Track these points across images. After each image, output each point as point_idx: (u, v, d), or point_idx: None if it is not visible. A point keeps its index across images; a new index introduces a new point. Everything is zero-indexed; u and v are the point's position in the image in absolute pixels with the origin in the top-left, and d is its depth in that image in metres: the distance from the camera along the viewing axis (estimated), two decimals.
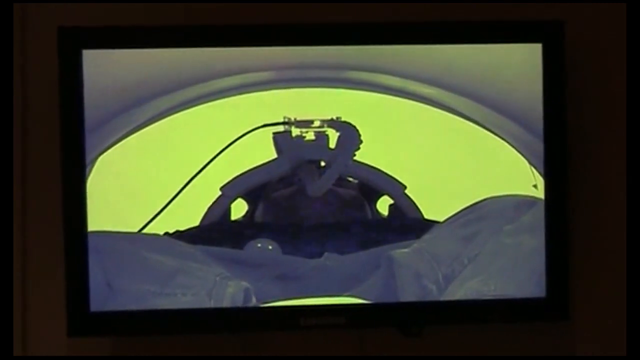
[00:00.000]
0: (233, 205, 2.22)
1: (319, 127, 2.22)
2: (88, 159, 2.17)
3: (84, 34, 2.17)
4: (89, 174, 2.18)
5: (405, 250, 2.23)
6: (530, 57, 2.22)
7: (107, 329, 2.20)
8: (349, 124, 2.22)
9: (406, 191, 2.24)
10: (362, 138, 2.22)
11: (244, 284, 2.20)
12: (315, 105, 2.21)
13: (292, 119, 2.21)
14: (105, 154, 2.18)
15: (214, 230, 2.21)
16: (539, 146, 2.23)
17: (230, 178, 2.21)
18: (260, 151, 2.21)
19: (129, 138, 2.19)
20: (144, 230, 2.20)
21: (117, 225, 2.19)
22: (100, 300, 2.18)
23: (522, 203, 2.24)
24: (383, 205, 2.25)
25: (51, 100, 2.19)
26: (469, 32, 2.22)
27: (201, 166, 2.20)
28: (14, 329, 2.24)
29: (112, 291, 2.18)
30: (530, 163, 2.24)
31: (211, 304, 2.19)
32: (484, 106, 2.23)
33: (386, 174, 2.23)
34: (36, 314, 2.27)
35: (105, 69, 2.17)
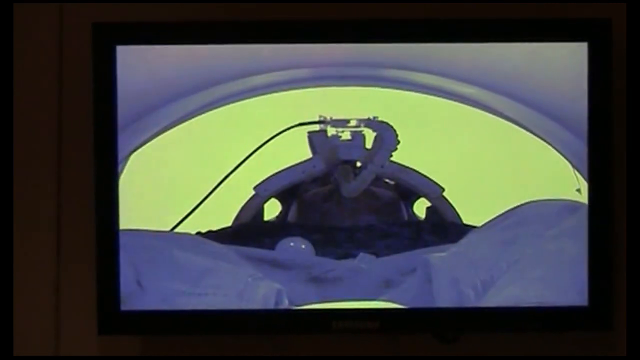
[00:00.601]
0: (266, 205, 2.19)
1: (355, 126, 2.17)
2: (121, 156, 2.15)
3: (118, 29, 2.15)
4: (121, 172, 2.15)
5: (443, 254, 2.17)
6: (575, 56, 2.15)
7: (138, 328, 2.17)
8: (386, 123, 2.17)
9: (444, 194, 2.18)
10: (399, 138, 2.17)
11: (276, 285, 2.16)
12: (351, 104, 2.17)
13: (328, 118, 2.17)
14: (138, 151, 2.16)
15: (247, 230, 2.17)
16: (583, 148, 2.15)
17: (264, 177, 2.17)
18: (294, 150, 2.17)
19: (162, 135, 2.17)
20: (176, 229, 2.17)
21: (149, 224, 2.16)
22: (131, 299, 2.15)
23: (565, 207, 2.16)
24: (420, 207, 2.19)
25: (87, 97, 2.17)
26: (510, 30, 2.15)
27: (235, 165, 2.17)
28: (47, 327, 2.24)
29: (142, 290, 2.16)
30: (574, 166, 2.16)
31: (242, 305, 2.15)
32: (526, 106, 2.16)
33: (424, 175, 2.18)
34: (68, 312, 2.25)
35: (139, 65, 2.15)
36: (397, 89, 2.16)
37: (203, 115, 2.17)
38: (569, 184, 2.17)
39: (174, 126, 2.17)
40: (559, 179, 2.17)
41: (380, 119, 2.17)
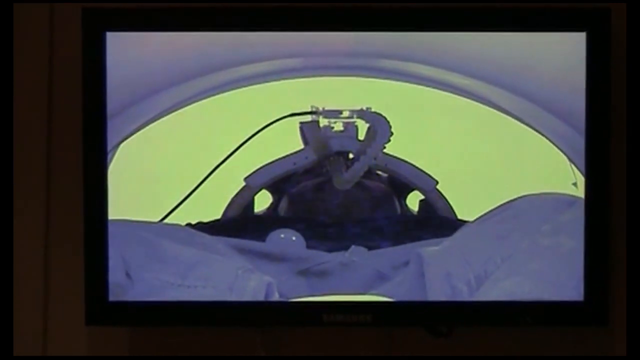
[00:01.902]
0: (257, 197, 2.15)
1: (348, 117, 2.13)
2: (110, 145, 2.12)
3: (108, 15, 2.12)
4: (110, 161, 2.12)
5: (436, 248, 2.13)
6: (573, 46, 2.10)
7: (126, 319, 2.15)
8: (380, 114, 2.13)
9: (438, 186, 2.14)
10: (393, 130, 2.13)
11: (267, 278, 2.12)
12: (344, 94, 2.13)
13: (320, 109, 2.13)
14: (127, 140, 2.13)
15: (237, 222, 2.14)
16: (580, 142, 2.11)
17: (254, 168, 2.14)
18: (286, 141, 2.14)
19: (152, 125, 2.13)
20: (165, 220, 2.14)
21: (138, 215, 2.13)
22: (119, 290, 2.12)
23: (561, 202, 2.12)
24: (413, 200, 2.16)
25: (77, 85, 2.13)
26: (507, 20, 2.11)
27: (225, 155, 2.13)
28: (35, 317, 2.22)
29: (131, 281, 2.13)
30: (570, 159, 2.12)
31: (232, 297, 2.12)
32: (522, 98, 2.12)
33: (417, 168, 2.14)
34: (56, 302, 2.23)
35: (129, 52, 2.11)
36: (391, 79, 2.12)
37: (194, 104, 2.13)
38: (566, 178, 2.13)
39: (164, 115, 2.13)
40: (555, 172, 2.13)
41: (373, 110, 2.13)
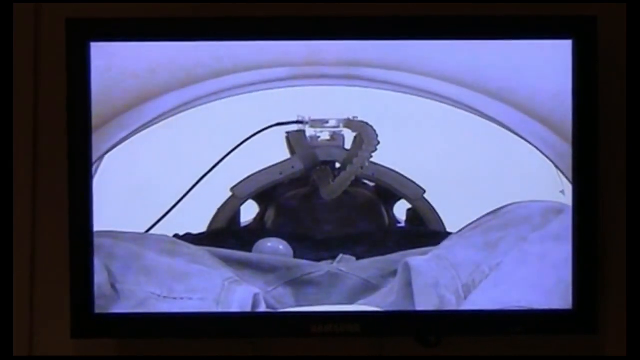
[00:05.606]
0: (243, 207, 2.14)
1: (334, 126, 2.13)
2: (95, 156, 2.10)
3: (91, 25, 2.10)
4: (95, 172, 2.11)
5: (424, 257, 2.12)
6: (560, 54, 2.10)
7: (112, 331, 2.13)
8: (366, 124, 2.12)
9: (425, 195, 2.13)
10: (380, 139, 2.12)
11: (254, 289, 2.11)
12: (330, 103, 2.12)
13: (307, 118, 2.12)
14: (112, 151, 2.11)
15: (224, 233, 2.13)
16: (567, 149, 2.10)
17: (241, 179, 2.13)
18: (272, 151, 2.13)
19: (137, 135, 2.12)
20: (151, 231, 2.12)
21: (124, 226, 2.12)
22: (105, 302, 2.11)
23: (549, 209, 2.12)
24: (401, 209, 2.15)
25: (63, 96, 2.12)
26: (493, 27, 2.11)
27: (211, 166, 2.12)
28: (20, 330, 2.19)
29: (116, 293, 2.11)
30: (557, 167, 2.12)
31: (219, 309, 2.11)
32: (509, 106, 2.11)
33: (404, 177, 2.13)
34: (41, 315, 2.21)
35: (114, 62, 2.10)
36: (378, 88, 2.11)
37: (179, 114, 2.12)
38: (553, 186, 2.12)
39: (150, 126, 2.12)
40: (543, 180, 2.12)
41: (360, 119, 2.12)
